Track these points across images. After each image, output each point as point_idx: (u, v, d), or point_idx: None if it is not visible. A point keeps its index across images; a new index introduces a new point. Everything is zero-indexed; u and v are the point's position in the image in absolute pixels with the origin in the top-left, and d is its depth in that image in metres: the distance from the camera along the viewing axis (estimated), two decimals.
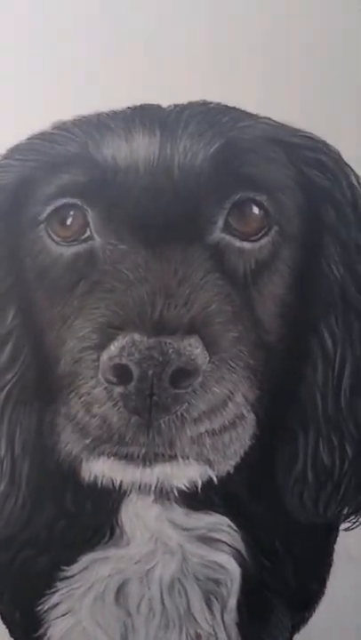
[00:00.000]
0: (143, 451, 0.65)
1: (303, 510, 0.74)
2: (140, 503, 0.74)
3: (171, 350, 0.63)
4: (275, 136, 0.74)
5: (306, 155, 0.74)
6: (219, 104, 0.76)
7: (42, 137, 0.74)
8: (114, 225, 0.71)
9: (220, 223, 0.71)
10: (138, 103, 0.75)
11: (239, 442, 0.68)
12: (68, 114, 0.75)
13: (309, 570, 0.77)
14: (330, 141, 0.76)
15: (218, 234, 0.72)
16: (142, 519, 0.74)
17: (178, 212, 0.70)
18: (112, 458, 0.67)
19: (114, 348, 0.64)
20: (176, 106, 0.75)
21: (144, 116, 0.74)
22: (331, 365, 0.73)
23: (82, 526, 0.75)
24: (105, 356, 0.64)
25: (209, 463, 0.67)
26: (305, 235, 0.74)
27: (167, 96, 0.75)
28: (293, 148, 0.74)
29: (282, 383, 0.73)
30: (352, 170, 0.76)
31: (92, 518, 0.75)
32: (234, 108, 0.76)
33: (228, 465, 0.68)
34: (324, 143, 0.76)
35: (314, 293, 0.74)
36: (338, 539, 0.77)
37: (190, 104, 0.75)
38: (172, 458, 0.66)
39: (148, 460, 0.66)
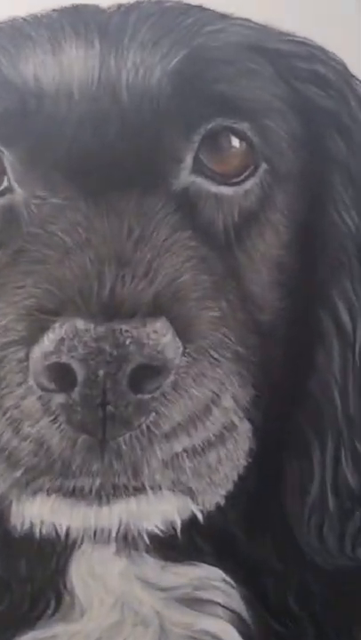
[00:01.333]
0: (97, 482, 0.57)
1: (324, 550, 0.66)
2: (96, 557, 0.67)
3: (128, 340, 0.55)
4: (256, 42, 0.67)
5: (299, 66, 0.67)
6: (178, 2, 0.69)
7: None
8: (41, 171, 0.63)
9: (189, 162, 0.64)
10: (68, 3, 0.70)
11: (231, 462, 0.60)
12: None
13: (337, 632, 0.69)
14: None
15: (186, 177, 0.64)
16: (101, 579, 0.67)
17: (129, 150, 0.63)
18: (54, 495, 0.58)
19: (48, 341, 0.56)
20: (120, 6, 0.68)
21: (77, 21, 0.67)
22: (350, 347, 0.66)
23: (16, 596, 0.67)
24: (37, 352, 0.56)
25: (190, 494, 0.59)
26: (305, 173, 0.67)
27: None
28: (281, 58, 0.67)
29: (285, 377, 0.66)
30: None
31: (29, 583, 0.67)
32: (199, 7, 0.69)
33: (216, 495, 0.61)
34: (323, 50, 0.68)
35: (321, 252, 0.67)
36: None
37: (139, 3, 0.69)
38: (139, 490, 0.58)
39: (105, 494, 0.58)
